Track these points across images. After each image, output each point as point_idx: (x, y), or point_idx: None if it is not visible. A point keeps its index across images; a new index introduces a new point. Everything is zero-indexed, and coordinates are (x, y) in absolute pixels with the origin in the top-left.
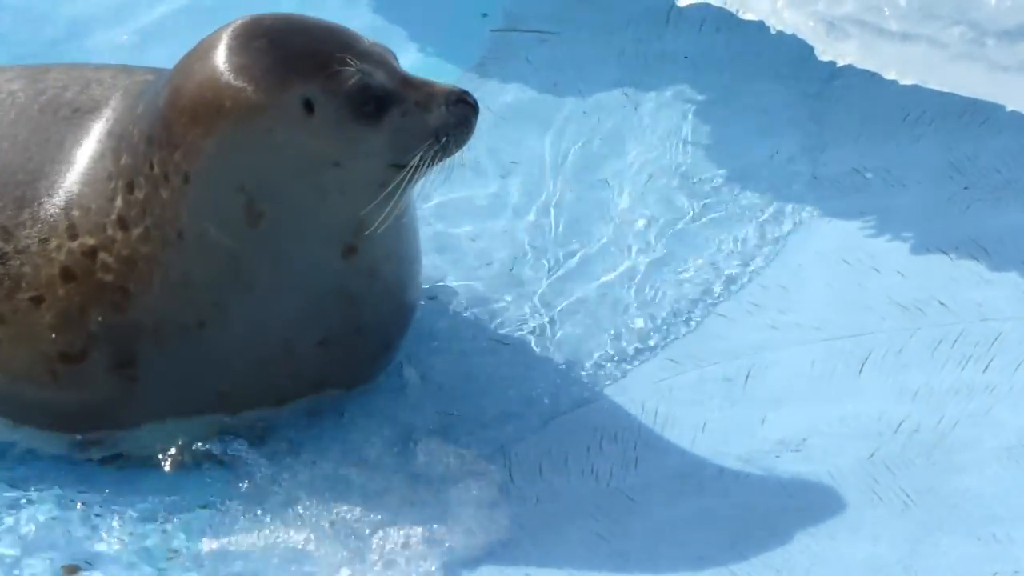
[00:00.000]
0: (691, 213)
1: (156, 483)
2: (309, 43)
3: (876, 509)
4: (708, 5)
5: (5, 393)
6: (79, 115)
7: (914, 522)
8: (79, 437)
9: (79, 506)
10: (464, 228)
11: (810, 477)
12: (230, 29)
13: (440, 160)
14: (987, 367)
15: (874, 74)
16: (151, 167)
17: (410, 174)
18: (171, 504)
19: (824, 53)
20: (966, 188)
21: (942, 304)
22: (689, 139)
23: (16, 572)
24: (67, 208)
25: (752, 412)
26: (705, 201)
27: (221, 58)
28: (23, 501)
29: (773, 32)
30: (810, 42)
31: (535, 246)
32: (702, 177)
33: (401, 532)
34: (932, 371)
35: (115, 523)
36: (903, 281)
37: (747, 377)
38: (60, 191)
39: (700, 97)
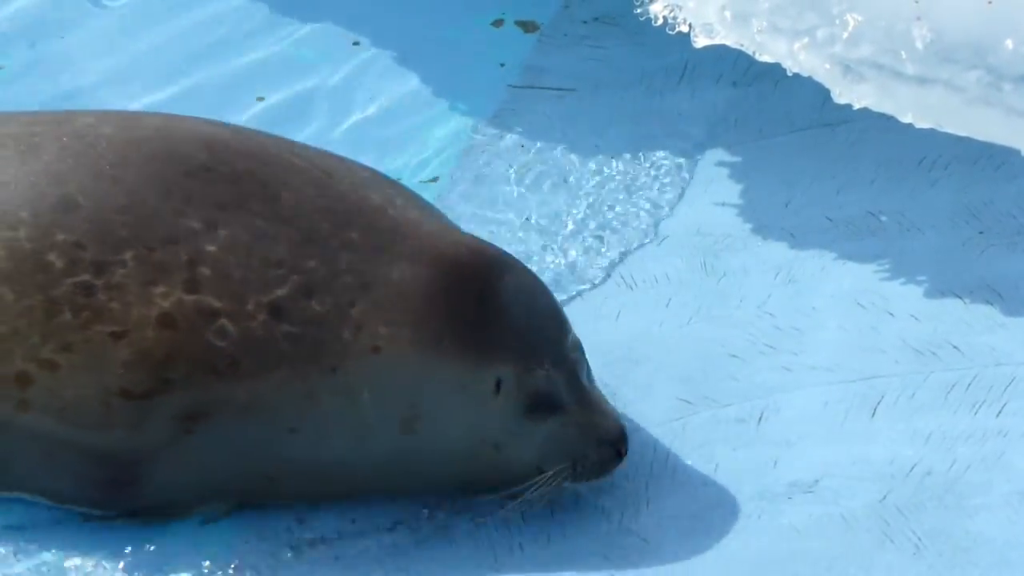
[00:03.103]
0: (705, 259)
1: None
2: (531, 327)
3: (888, 552)
4: (723, 61)
5: (43, 428)
6: (217, 177)
7: (926, 565)
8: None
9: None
10: None
11: (822, 519)
12: (494, 270)
13: (571, 480)
14: (1000, 411)
15: (890, 118)
16: (350, 304)
17: (544, 480)
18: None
19: (840, 96)
20: (981, 233)
21: (955, 348)
22: (704, 192)
23: None
24: (194, 264)
25: (764, 453)
26: (720, 246)
27: (466, 296)
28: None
29: (789, 75)
30: (827, 85)
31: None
32: (717, 224)
33: (407, 565)
34: (945, 415)
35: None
36: (917, 325)
37: (760, 418)
38: (184, 245)
39: (715, 150)
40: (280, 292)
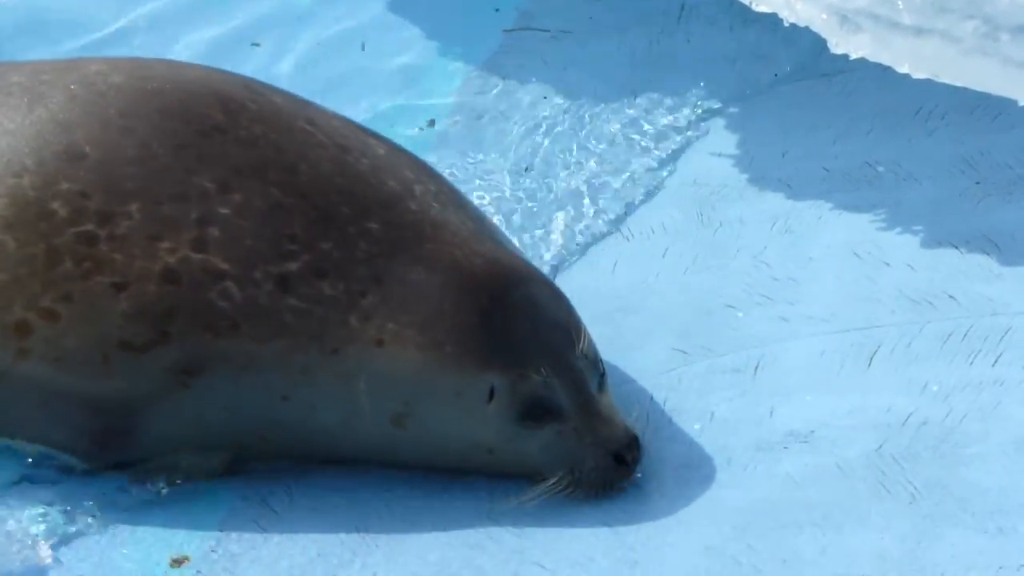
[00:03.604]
0: (702, 210)
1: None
2: (533, 335)
3: (883, 501)
4: (720, 4)
5: (41, 377)
6: (232, 139)
7: (921, 515)
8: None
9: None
10: None
11: (818, 469)
12: (505, 282)
13: (571, 491)
14: (996, 361)
15: (887, 68)
16: (361, 294)
17: (541, 490)
18: (180, 513)
19: (837, 46)
20: (978, 183)
21: (952, 298)
22: (701, 137)
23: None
24: (204, 223)
25: (760, 403)
26: (716, 197)
27: (474, 306)
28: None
29: (786, 25)
30: (823, 35)
31: (546, 241)
32: (714, 174)
33: (401, 513)
34: (941, 365)
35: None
36: (913, 275)
37: (756, 368)
38: (196, 205)
39: (711, 95)
40: (291, 267)
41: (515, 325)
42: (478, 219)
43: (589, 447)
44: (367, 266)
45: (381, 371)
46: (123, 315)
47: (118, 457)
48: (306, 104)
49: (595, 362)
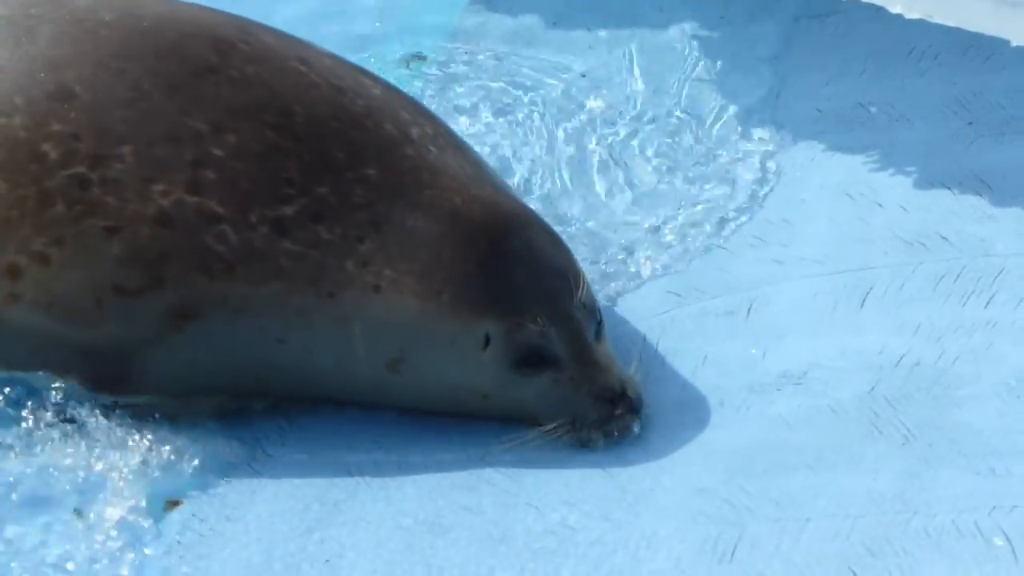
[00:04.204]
0: (693, 148)
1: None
2: (530, 283)
3: (876, 442)
4: None
5: (32, 322)
6: (224, 79)
7: (914, 456)
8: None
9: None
10: None
11: (811, 410)
12: (504, 228)
13: (571, 435)
14: (989, 302)
15: (879, 8)
16: (359, 240)
17: (539, 434)
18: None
19: None
20: (970, 123)
21: (944, 239)
22: (692, 75)
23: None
24: (198, 165)
25: (753, 345)
26: (707, 136)
27: (472, 253)
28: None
29: None
30: None
31: (535, 174)
32: (705, 112)
33: (392, 454)
34: (934, 306)
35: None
36: (906, 216)
37: (749, 310)
38: (191, 146)
39: (703, 33)
40: (287, 210)
41: (513, 273)
42: (476, 163)
43: (585, 396)
44: (365, 212)
45: (377, 317)
46: (116, 259)
47: (114, 399)
48: (298, 43)
49: (593, 310)
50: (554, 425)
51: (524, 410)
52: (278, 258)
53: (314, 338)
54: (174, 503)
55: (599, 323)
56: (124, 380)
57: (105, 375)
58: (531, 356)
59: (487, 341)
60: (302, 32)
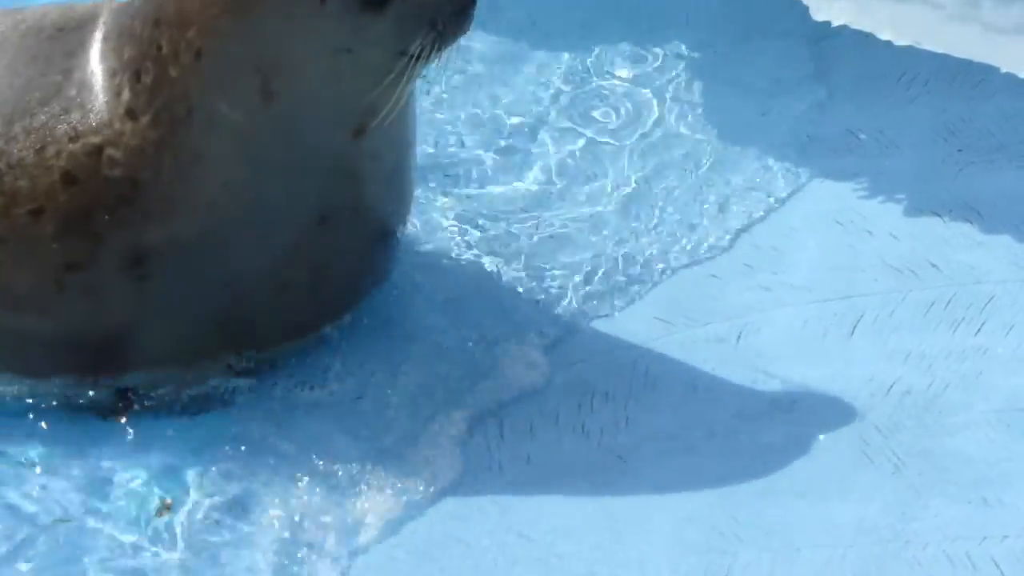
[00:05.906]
0: (683, 172)
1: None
2: None
3: (866, 471)
4: None
5: (8, 327)
6: (65, 32)
7: (904, 484)
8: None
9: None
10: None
11: (800, 438)
12: None
13: (440, 48)
14: (979, 330)
15: (869, 34)
16: (159, 48)
17: (412, 61)
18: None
19: (819, 12)
20: (960, 150)
21: (934, 266)
22: (683, 98)
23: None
24: (65, 113)
25: (743, 373)
26: (697, 160)
27: None
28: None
29: None
30: (805, 1)
31: (522, 205)
32: (695, 137)
33: (385, 485)
34: (924, 334)
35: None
36: (895, 243)
37: (738, 338)
38: (55, 100)
39: (695, 56)
40: (125, 95)
41: None
42: None
43: None
44: (141, 26)
45: (217, 71)
46: (52, 237)
47: (115, 382)
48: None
49: None
50: (419, 45)
51: (393, 47)
52: (148, 134)
53: (222, 164)
54: (167, 505)
55: None
56: (120, 359)
57: (95, 359)
58: None
59: None
60: None
